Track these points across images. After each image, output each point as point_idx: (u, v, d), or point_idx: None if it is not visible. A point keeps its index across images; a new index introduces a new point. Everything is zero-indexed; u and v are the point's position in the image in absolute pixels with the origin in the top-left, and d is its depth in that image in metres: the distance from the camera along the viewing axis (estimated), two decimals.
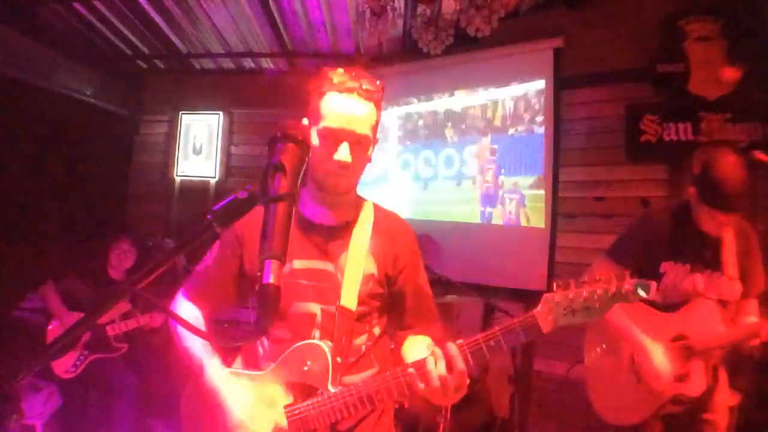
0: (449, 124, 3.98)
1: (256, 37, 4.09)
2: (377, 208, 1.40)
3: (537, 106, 3.56)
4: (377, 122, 1.29)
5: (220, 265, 1.33)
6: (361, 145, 1.24)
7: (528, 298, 3.50)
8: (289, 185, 0.74)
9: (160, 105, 4.88)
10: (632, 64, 3.21)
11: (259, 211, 0.84)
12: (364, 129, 1.23)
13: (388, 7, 3.30)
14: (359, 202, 1.39)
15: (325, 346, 1.21)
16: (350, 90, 1.22)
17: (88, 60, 4.31)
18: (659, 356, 1.85)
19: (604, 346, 2.08)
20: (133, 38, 4.22)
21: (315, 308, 1.26)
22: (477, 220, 3.78)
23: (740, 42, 2.89)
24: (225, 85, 4.71)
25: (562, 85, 3.49)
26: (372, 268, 1.30)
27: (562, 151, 3.47)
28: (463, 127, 3.91)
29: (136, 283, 0.73)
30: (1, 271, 3.61)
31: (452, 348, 1.08)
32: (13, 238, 3.71)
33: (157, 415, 3.27)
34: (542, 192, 3.50)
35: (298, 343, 1.23)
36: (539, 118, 3.55)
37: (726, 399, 1.92)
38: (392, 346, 1.42)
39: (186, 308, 1.35)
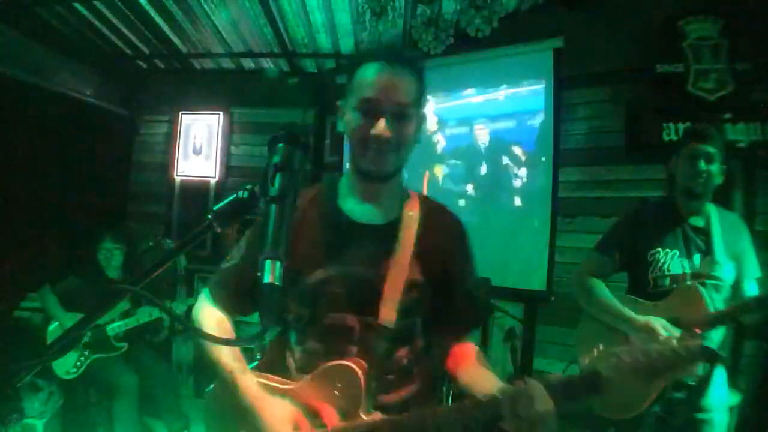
0: (449, 123, 3.98)
1: (256, 37, 4.09)
2: (425, 201, 1.24)
3: (537, 106, 3.56)
4: (422, 94, 1.15)
5: (247, 263, 1.16)
6: (404, 118, 1.10)
7: (528, 298, 3.51)
8: (289, 185, 0.74)
9: (160, 105, 4.87)
10: (632, 64, 3.22)
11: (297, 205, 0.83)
12: (405, 98, 1.09)
13: (388, 7, 3.30)
14: (405, 195, 1.23)
15: (359, 369, 1.08)
16: (389, 57, 1.10)
17: (88, 60, 4.31)
18: (658, 319, 1.84)
19: (597, 341, 2.08)
20: (133, 38, 4.21)
21: (352, 321, 1.13)
22: (477, 219, 3.78)
23: (740, 42, 2.90)
24: (225, 85, 4.71)
25: (562, 85, 3.49)
26: (416, 273, 1.15)
27: (562, 151, 3.47)
28: (463, 126, 3.91)
29: (136, 283, 0.73)
30: (1, 271, 3.61)
31: (537, 387, 0.97)
32: (13, 239, 3.71)
33: (157, 415, 3.27)
34: (542, 192, 3.50)
35: (330, 363, 1.10)
36: (539, 118, 3.55)
37: (723, 400, 1.92)
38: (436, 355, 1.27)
39: (208, 312, 1.24)
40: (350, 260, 1.14)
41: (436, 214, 1.22)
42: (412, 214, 1.19)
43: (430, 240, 1.17)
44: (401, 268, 1.13)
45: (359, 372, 1.08)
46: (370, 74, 1.09)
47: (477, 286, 1.28)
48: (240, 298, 1.19)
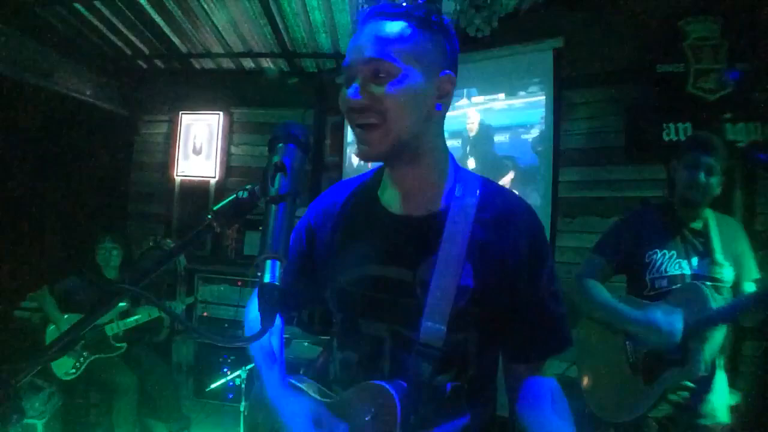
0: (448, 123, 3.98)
1: (256, 37, 4.09)
2: (485, 185, 1.01)
3: (537, 107, 3.56)
4: (425, 47, 0.91)
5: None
6: (383, 77, 0.88)
7: None
8: (289, 185, 0.74)
9: (160, 105, 4.87)
10: (632, 64, 3.22)
11: (329, 203, 0.81)
12: (381, 52, 0.87)
13: None
14: (453, 178, 1.00)
15: (396, 394, 0.88)
16: (371, 15, 0.93)
17: (88, 60, 4.31)
18: (658, 311, 1.83)
19: (597, 341, 2.09)
20: (133, 38, 4.21)
21: (383, 331, 0.96)
22: None
23: (740, 42, 2.90)
24: (225, 85, 4.71)
25: (562, 85, 3.49)
26: (468, 277, 0.93)
27: (562, 151, 3.47)
28: (463, 126, 3.91)
29: (135, 283, 0.73)
30: (1, 271, 3.61)
31: None
32: (13, 238, 3.71)
33: (156, 416, 3.27)
34: (542, 192, 3.50)
35: (365, 384, 0.94)
36: (539, 118, 3.55)
37: (724, 402, 1.91)
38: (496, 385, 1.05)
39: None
40: (386, 258, 0.97)
41: (496, 200, 0.98)
42: (467, 200, 0.97)
43: (487, 231, 0.95)
44: (449, 269, 0.92)
45: (395, 399, 0.88)
46: (350, 40, 0.93)
47: (558, 298, 1.01)
48: (285, 303, 1.03)
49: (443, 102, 0.95)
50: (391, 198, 1.01)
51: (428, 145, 0.96)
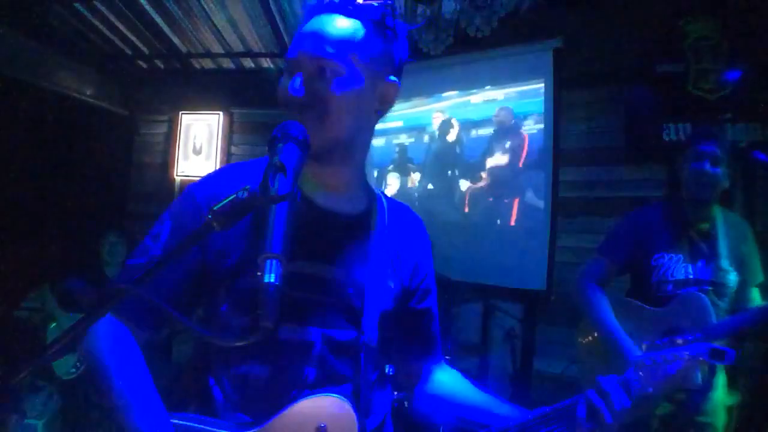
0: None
1: (256, 37, 4.09)
2: (388, 200, 1.06)
3: (537, 106, 3.56)
4: (375, 51, 0.89)
5: (171, 257, 0.77)
6: (331, 76, 0.85)
7: (528, 298, 3.51)
8: (289, 185, 0.74)
9: (160, 105, 4.87)
10: (632, 64, 3.22)
11: (226, 189, 0.69)
12: (332, 52, 0.85)
13: None
14: (369, 187, 1.04)
15: (348, 403, 0.84)
16: (325, 7, 0.88)
17: (89, 60, 4.31)
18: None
19: (595, 343, 2.09)
20: (133, 38, 4.21)
21: (312, 334, 0.89)
22: (478, 218, 3.78)
23: (740, 42, 2.90)
24: (225, 85, 4.71)
25: (562, 85, 3.49)
26: (391, 278, 0.97)
27: (562, 151, 3.47)
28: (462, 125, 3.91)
29: (135, 283, 0.73)
30: (1, 271, 3.61)
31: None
32: (13, 238, 3.71)
33: None
34: (542, 191, 3.50)
35: (304, 399, 0.85)
36: (539, 118, 3.55)
37: (723, 401, 1.92)
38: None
39: (105, 330, 0.87)
40: (313, 254, 0.90)
41: (400, 213, 1.06)
42: (380, 210, 1.00)
43: (398, 241, 1.01)
44: (380, 268, 0.94)
45: (351, 405, 0.84)
46: (300, 27, 0.90)
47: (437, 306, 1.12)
48: (156, 308, 0.79)
49: (383, 108, 0.96)
50: (313, 193, 0.95)
51: (360, 146, 0.96)
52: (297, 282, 0.87)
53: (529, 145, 3.60)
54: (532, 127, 3.59)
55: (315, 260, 0.91)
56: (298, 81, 0.86)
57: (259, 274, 0.67)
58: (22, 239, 3.79)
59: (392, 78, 0.94)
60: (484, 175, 3.79)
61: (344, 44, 0.86)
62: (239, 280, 0.89)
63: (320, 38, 0.86)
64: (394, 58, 0.94)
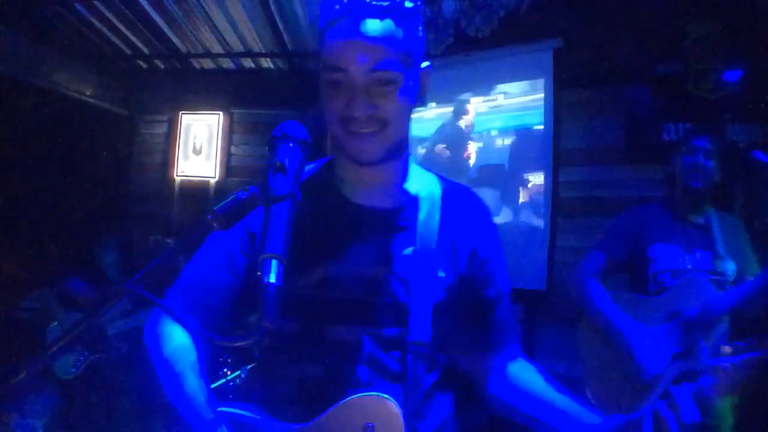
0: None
1: (256, 37, 4.09)
2: (443, 181, 1.02)
3: (537, 107, 3.56)
4: (413, 44, 0.88)
5: (219, 266, 0.96)
6: (390, 86, 0.85)
7: (528, 298, 3.51)
8: (289, 185, 0.74)
9: (160, 105, 4.87)
10: (632, 64, 3.21)
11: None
12: (387, 62, 0.83)
13: None
14: (415, 173, 1.00)
15: (397, 402, 0.82)
16: (355, 11, 0.83)
17: (89, 60, 4.31)
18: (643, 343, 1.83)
19: (598, 340, 2.08)
20: (133, 38, 4.21)
21: (359, 334, 0.88)
22: None
23: (740, 42, 2.89)
24: (225, 85, 4.70)
25: (562, 85, 3.48)
26: (443, 269, 0.92)
27: (562, 151, 3.47)
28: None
29: (135, 283, 0.73)
30: (1, 271, 3.61)
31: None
32: (13, 238, 3.70)
33: (156, 416, 3.27)
34: (542, 191, 3.50)
35: (351, 397, 0.84)
36: (539, 118, 3.55)
37: (726, 400, 1.92)
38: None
39: (170, 336, 0.97)
40: (356, 255, 0.90)
41: (458, 196, 1.00)
42: (430, 195, 0.96)
43: (453, 226, 0.95)
44: (428, 262, 0.90)
45: (398, 405, 0.82)
46: (333, 39, 0.85)
47: (510, 293, 1.04)
48: (207, 312, 0.96)
49: (422, 96, 0.94)
50: (353, 192, 0.96)
51: (407, 139, 0.96)
52: (338, 283, 0.89)
53: (529, 144, 3.60)
54: (531, 127, 3.59)
55: (358, 260, 0.90)
56: (356, 99, 0.84)
57: (259, 274, 0.67)
58: (22, 239, 3.79)
59: (425, 64, 0.93)
60: (481, 175, 3.78)
61: (392, 49, 0.84)
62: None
63: (370, 49, 0.83)
64: (423, 40, 0.92)
